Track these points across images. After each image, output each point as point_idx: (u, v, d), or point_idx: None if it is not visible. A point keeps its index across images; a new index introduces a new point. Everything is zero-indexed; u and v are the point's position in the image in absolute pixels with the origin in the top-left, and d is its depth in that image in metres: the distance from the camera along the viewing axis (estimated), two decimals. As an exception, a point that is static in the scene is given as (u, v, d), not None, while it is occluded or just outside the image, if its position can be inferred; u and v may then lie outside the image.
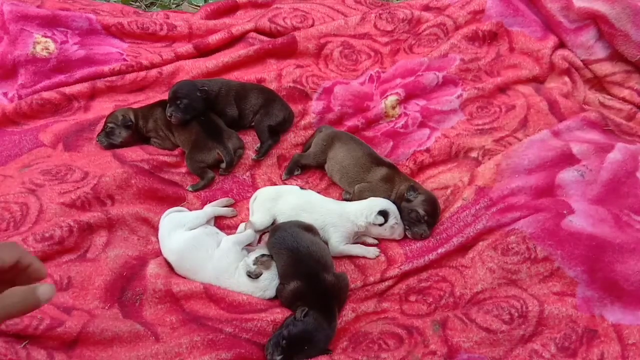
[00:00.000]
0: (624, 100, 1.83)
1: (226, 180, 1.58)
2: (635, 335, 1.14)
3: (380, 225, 1.39)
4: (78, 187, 1.41)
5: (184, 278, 1.30)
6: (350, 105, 1.78)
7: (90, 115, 1.71)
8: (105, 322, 1.15)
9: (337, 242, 1.39)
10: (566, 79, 1.86)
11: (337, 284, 1.27)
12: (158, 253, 1.35)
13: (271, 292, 1.29)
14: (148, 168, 1.51)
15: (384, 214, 1.38)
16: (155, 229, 1.40)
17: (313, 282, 1.24)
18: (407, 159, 1.66)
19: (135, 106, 1.71)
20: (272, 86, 1.78)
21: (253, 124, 1.70)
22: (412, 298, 1.31)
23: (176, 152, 1.61)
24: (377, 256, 1.39)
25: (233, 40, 1.97)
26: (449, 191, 1.54)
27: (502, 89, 1.82)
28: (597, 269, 1.22)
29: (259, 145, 1.65)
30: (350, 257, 1.40)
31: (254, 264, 1.28)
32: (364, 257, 1.39)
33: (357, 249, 1.40)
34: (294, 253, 1.29)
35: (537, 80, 1.86)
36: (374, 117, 1.74)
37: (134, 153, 1.55)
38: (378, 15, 2.02)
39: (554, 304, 1.19)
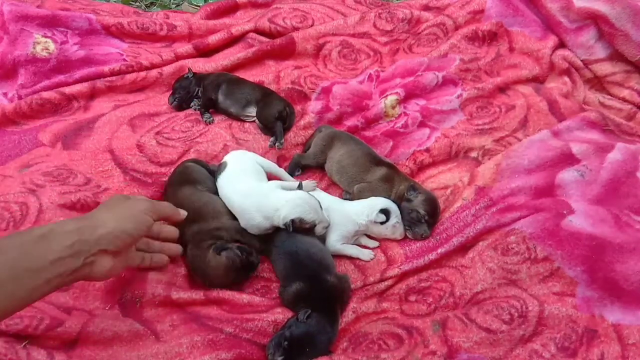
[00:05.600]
0: (624, 100, 1.83)
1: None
2: (635, 335, 1.14)
3: (382, 223, 1.39)
4: (79, 190, 1.40)
5: (185, 285, 1.28)
6: (349, 105, 1.78)
7: (89, 115, 1.70)
8: (105, 321, 1.15)
9: (335, 240, 1.39)
10: (566, 79, 1.86)
11: (340, 285, 1.26)
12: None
13: None
14: (151, 181, 1.49)
15: (385, 212, 1.38)
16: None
17: (315, 284, 1.23)
18: (407, 158, 1.66)
19: (135, 106, 1.70)
20: (271, 88, 1.78)
21: (247, 116, 1.69)
22: (412, 298, 1.31)
23: (176, 156, 1.59)
24: (372, 259, 1.39)
25: (233, 41, 1.97)
26: (449, 191, 1.54)
27: (502, 89, 1.82)
28: (597, 269, 1.22)
29: (272, 138, 1.63)
30: (350, 258, 1.40)
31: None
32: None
33: (353, 250, 1.40)
34: (293, 256, 1.28)
35: (537, 80, 1.86)
36: (373, 117, 1.74)
37: (134, 158, 1.55)
38: (377, 14, 2.02)
39: (554, 304, 1.19)
